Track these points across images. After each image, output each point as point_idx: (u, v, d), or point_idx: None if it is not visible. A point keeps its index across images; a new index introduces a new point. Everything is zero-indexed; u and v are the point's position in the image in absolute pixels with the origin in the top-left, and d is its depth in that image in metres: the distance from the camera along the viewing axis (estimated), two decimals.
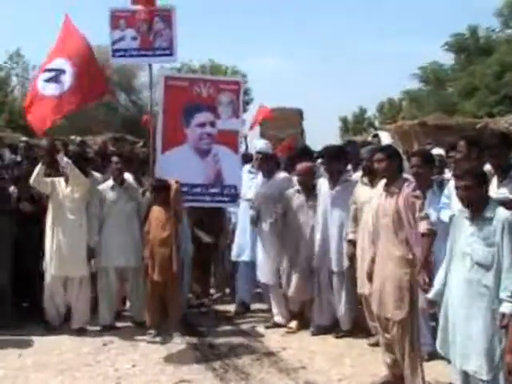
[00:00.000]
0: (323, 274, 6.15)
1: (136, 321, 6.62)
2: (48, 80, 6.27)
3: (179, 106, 6.73)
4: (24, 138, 11.86)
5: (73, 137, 20.48)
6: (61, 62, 6.30)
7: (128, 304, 6.98)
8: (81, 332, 6.31)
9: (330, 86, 66.77)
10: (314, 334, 6.20)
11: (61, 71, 6.24)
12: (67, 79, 6.20)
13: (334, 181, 6.07)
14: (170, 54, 6.90)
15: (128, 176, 6.93)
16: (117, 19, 6.92)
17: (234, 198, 6.85)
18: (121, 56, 7.07)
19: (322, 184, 6.20)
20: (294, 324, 6.42)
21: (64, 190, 6.41)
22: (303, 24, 66.67)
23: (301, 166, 6.39)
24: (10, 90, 33.03)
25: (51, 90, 6.22)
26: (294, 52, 65.67)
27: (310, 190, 6.34)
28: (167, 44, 6.85)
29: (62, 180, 6.44)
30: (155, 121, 6.92)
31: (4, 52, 32.79)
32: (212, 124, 6.77)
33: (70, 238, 6.32)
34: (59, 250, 6.29)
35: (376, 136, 6.95)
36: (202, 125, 6.76)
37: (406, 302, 4.51)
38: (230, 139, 6.83)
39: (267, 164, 6.83)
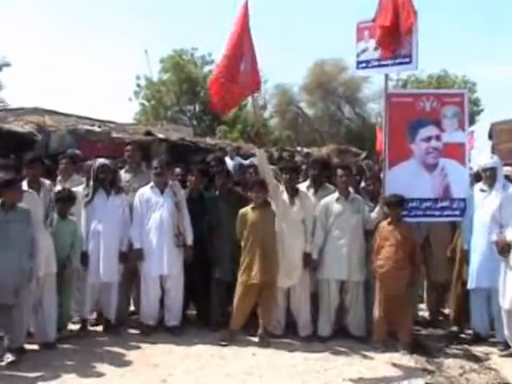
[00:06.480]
0: None
1: (355, 335, 6.56)
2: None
3: (404, 122, 6.78)
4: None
5: (299, 148, 21.39)
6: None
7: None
8: (308, 340, 6.45)
9: None
10: None
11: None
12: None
13: None
14: (410, 62, 6.56)
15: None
16: (362, 31, 6.82)
17: (463, 211, 6.64)
18: (363, 68, 6.92)
19: None
20: None
21: (285, 198, 6.52)
22: None
23: None
24: (243, 103, 35.55)
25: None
26: None
27: None
28: (407, 51, 6.51)
29: (283, 187, 6.57)
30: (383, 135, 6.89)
31: None
32: (437, 138, 6.77)
33: (289, 246, 6.41)
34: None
35: None
36: (428, 139, 6.78)
37: None
38: (457, 152, 6.78)
39: None
